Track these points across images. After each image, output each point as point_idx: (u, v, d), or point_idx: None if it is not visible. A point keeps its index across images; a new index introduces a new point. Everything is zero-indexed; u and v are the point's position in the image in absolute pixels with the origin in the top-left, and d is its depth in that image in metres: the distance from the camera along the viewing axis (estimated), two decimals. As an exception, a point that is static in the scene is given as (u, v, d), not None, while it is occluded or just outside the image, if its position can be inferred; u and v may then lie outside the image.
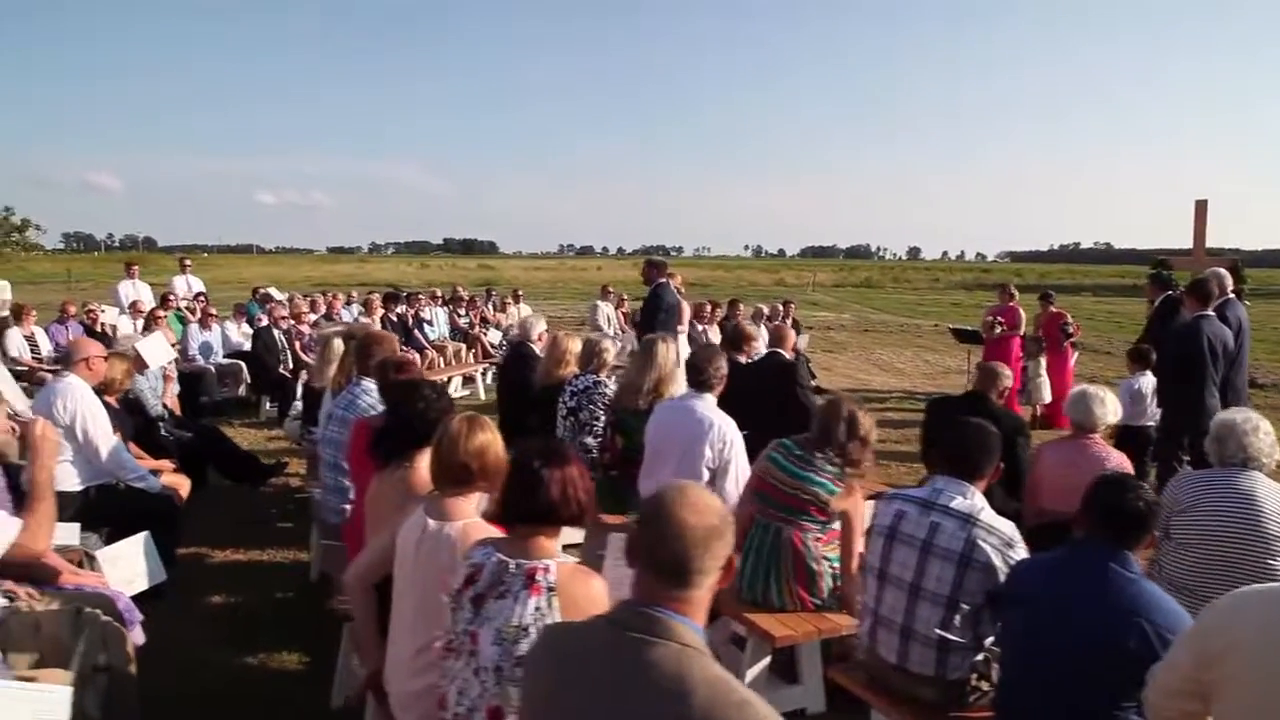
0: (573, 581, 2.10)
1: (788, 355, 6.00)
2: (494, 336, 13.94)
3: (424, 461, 3.00)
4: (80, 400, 4.55)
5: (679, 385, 4.53)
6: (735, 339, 6.09)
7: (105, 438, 4.60)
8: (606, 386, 5.10)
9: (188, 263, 14.76)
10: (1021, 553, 2.78)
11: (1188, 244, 12.78)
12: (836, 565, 3.57)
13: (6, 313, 11.14)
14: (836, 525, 3.57)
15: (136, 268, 13.76)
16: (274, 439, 9.05)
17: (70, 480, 4.51)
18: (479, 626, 2.09)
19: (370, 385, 4.33)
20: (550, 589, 2.05)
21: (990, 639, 2.84)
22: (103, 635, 2.99)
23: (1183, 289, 7.14)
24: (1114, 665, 2.23)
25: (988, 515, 2.83)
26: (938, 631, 2.76)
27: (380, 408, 4.20)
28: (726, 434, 4.11)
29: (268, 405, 10.34)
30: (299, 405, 8.46)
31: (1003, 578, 2.72)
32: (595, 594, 2.10)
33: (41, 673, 2.77)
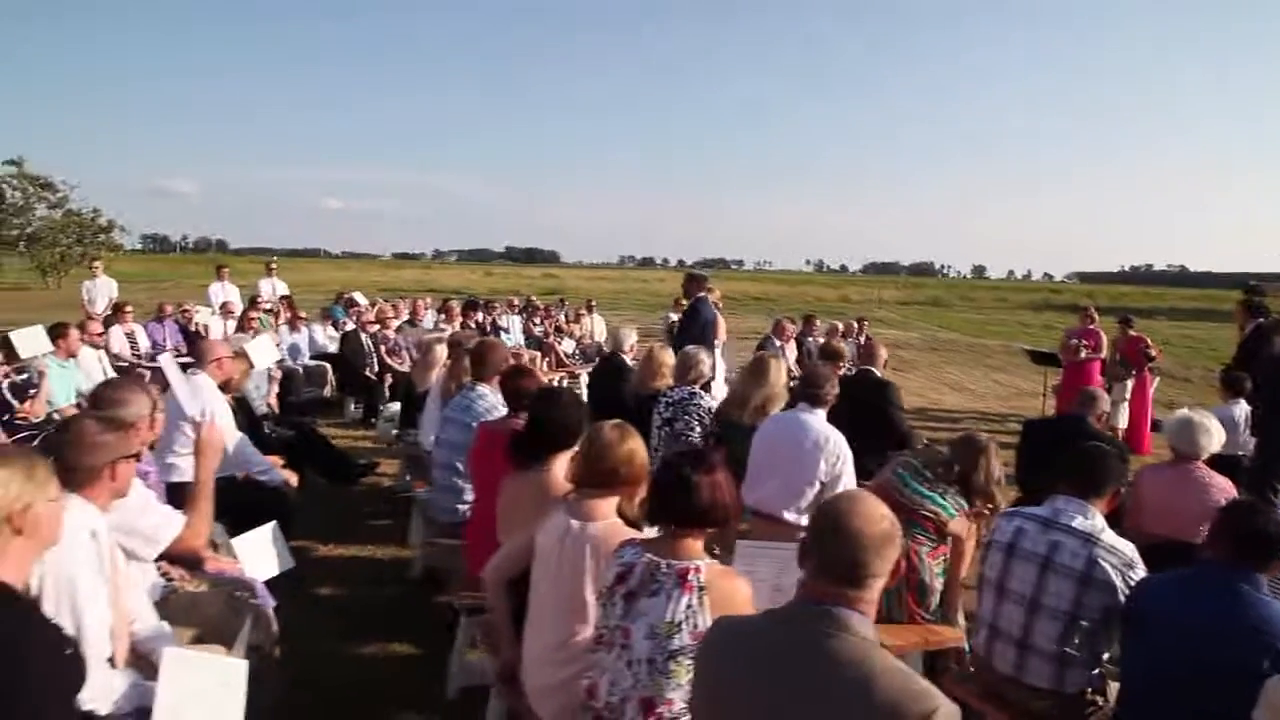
0: (721, 581, 2.24)
1: (879, 373, 6.08)
2: (567, 345, 14.16)
3: (560, 464, 3.17)
4: (211, 398, 4.80)
5: (783, 403, 4.65)
6: (830, 357, 6.19)
7: (232, 433, 4.84)
8: (702, 399, 5.23)
9: (273, 266, 15.21)
10: (1141, 573, 2.85)
11: (1276, 268, 12.48)
12: (941, 580, 3.67)
13: (111, 311, 11.67)
14: (944, 544, 3.66)
15: (226, 270, 14.25)
16: (359, 439, 9.30)
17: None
18: (631, 622, 2.24)
19: (485, 390, 4.53)
20: (701, 588, 2.19)
21: (1108, 655, 2.92)
22: (255, 617, 3.21)
23: (1276, 316, 7.04)
24: (1244, 682, 2.30)
25: (1109, 536, 2.91)
26: (1057, 645, 2.84)
27: (496, 412, 4.39)
28: (839, 449, 4.22)
29: (352, 407, 10.62)
30: (392, 407, 8.73)
31: (1123, 597, 2.80)
32: (742, 593, 2.24)
33: (200, 647, 2.99)
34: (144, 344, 10.90)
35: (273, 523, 4.11)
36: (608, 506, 2.70)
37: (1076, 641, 2.84)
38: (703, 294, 8.30)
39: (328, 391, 11.18)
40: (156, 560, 3.23)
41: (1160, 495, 4.16)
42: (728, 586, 2.24)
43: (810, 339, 11.15)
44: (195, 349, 5.49)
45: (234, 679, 2.46)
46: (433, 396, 5.68)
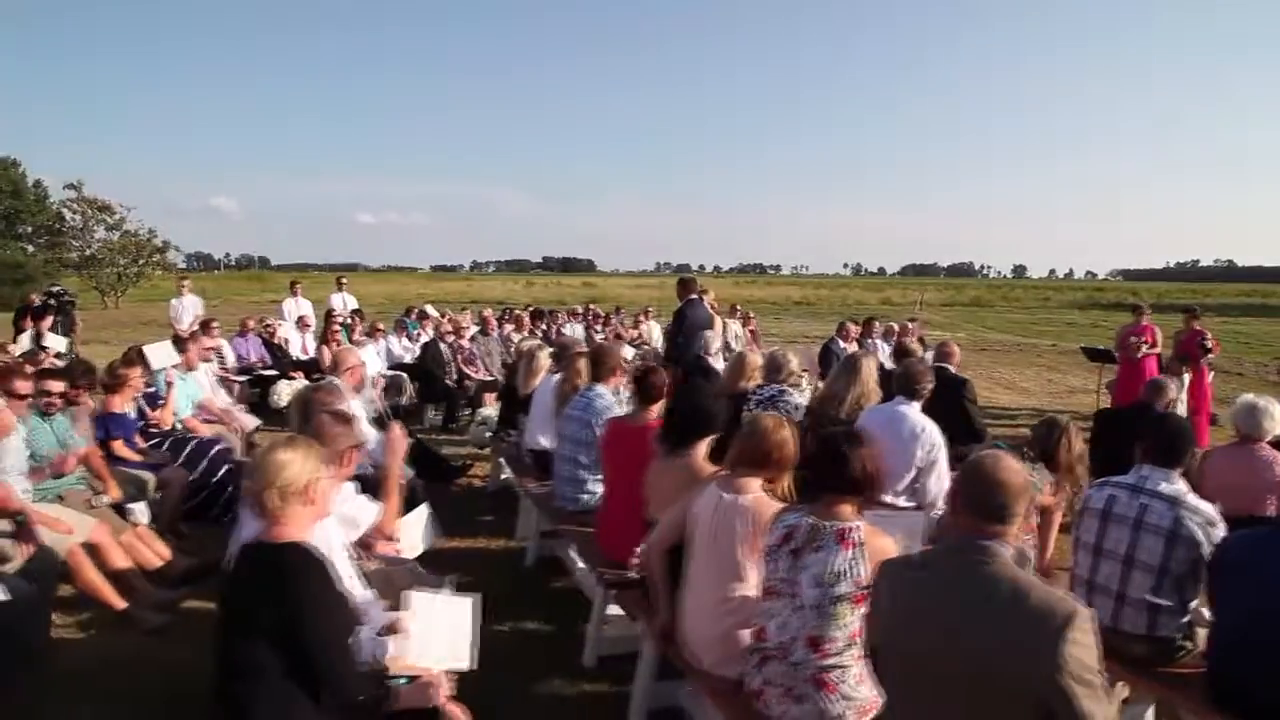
0: (874, 539, 2.70)
1: (954, 370, 6.48)
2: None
3: (702, 449, 3.64)
4: (349, 402, 5.31)
5: (877, 398, 5.08)
6: (903, 355, 6.60)
7: (370, 434, 5.35)
8: (791, 395, 5.66)
9: (344, 281, 15.79)
10: (1222, 530, 3.29)
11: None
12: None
13: (198, 327, 12.29)
14: (1033, 520, 4.07)
15: (300, 285, 14.83)
16: (441, 444, 9.78)
17: (337, 469, 5.26)
18: (798, 574, 2.70)
19: (603, 390, 5.01)
20: (859, 544, 2.64)
21: (1195, 602, 3.35)
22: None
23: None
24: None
25: (1192, 498, 3.35)
26: (1149, 596, 3.27)
27: (614, 410, 4.87)
28: (935, 438, 4.69)
29: (431, 413, 11.10)
30: (484, 412, 9.25)
31: (1206, 551, 3.22)
32: (892, 548, 2.69)
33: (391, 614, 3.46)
34: (230, 358, 11.46)
35: (425, 504, 4.59)
36: (756, 484, 3.17)
37: (1166, 591, 3.28)
38: (694, 296, 8.75)
39: (405, 400, 11.67)
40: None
41: (1226, 473, 4.52)
42: (880, 542, 2.69)
43: (870, 340, 11.55)
44: (332, 358, 5.99)
45: (464, 615, 2.92)
46: (541, 399, 6.15)
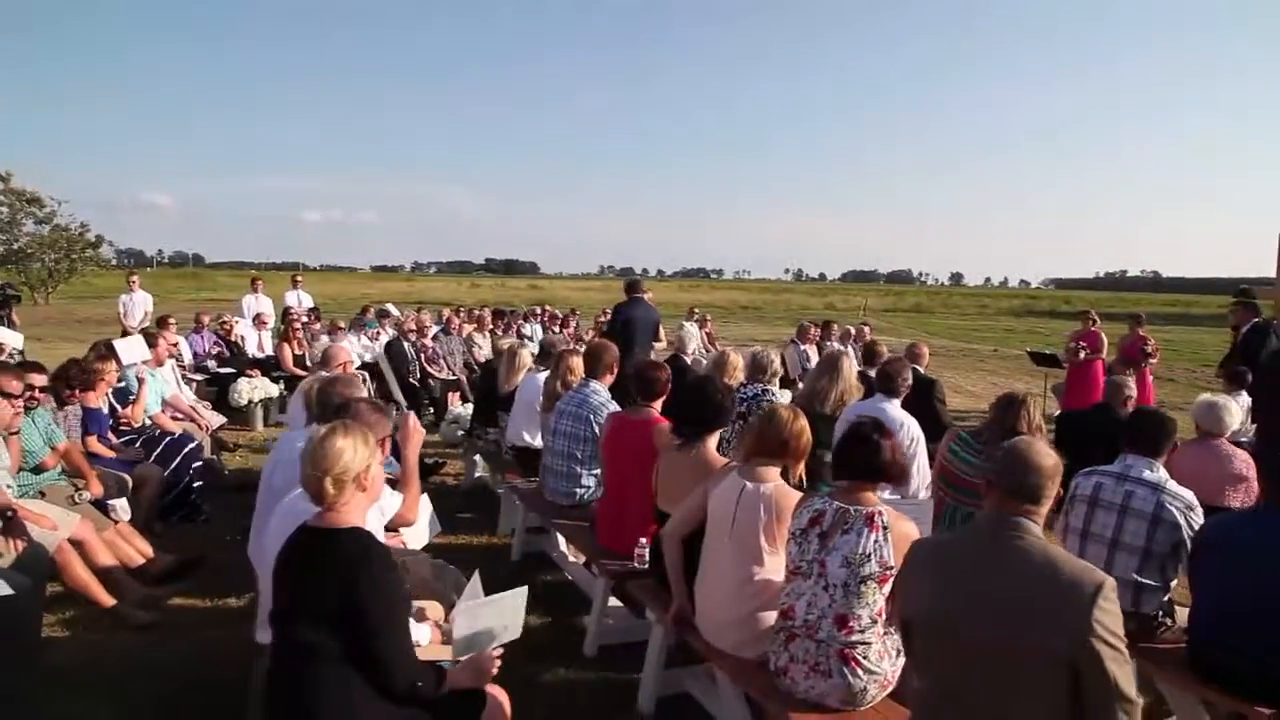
0: (899, 523, 2.88)
1: (923, 370, 6.71)
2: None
3: (712, 442, 3.79)
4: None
5: (858, 395, 5.28)
6: (871, 356, 6.83)
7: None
8: (775, 395, 5.82)
9: (299, 279, 15.57)
10: (1199, 514, 3.56)
11: (1252, 274, 13.26)
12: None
13: (150, 324, 12.06)
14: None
15: (260, 282, 14.58)
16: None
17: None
18: (827, 555, 2.86)
19: (598, 386, 5.12)
20: (885, 527, 2.81)
21: (1175, 582, 3.61)
22: (455, 580, 3.77)
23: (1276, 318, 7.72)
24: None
25: (1172, 485, 3.63)
26: (1134, 575, 3.53)
27: (609, 406, 4.98)
28: (913, 433, 4.91)
29: (394, 413, 11.01)
30: (455, 410, 9.28)
31: (1186, 534, 3.49)
32: (914, 531, 2.87)
33: (417, 603, 3.53)
34: (187, 355, 11.26)
35: (425, 496, 4.62)
36: (774, 472, 3.32)
37: (1150, 571, 3.54)
38: (636, 296, 8.96)
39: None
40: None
41: (1188, 467, 4.77)
42: (904, 526, 2.87)
43: (828, 343, 11.81)
44: (324, 354, 6.00)
45: (523, 600, 2.99)
46: (524, 396, 6.22)
